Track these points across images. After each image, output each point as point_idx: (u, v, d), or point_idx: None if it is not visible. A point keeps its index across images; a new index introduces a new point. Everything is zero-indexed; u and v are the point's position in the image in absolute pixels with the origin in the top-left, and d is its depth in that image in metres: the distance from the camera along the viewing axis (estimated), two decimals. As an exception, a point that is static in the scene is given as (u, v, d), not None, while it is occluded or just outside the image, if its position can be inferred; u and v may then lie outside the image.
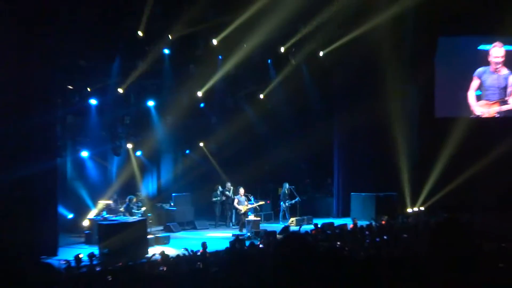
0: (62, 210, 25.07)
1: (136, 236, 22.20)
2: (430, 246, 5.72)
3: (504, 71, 32.66)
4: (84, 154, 27.61)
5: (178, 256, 18.89)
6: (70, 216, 26.71)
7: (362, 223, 24.27)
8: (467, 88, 32.60)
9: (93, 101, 26.86)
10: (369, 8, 28.59)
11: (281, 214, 30.10)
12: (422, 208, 30.26)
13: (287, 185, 30.12)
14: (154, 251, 21.37)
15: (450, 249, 5.49)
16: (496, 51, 32.53)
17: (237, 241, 19.21)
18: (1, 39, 20.20)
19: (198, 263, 15.29)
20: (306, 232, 21.54)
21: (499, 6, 29.08)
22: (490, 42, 32.56)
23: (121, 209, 26.15)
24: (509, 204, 26.98)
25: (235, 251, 17.41)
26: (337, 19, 27.99)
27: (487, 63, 32.68)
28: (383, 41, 29.16)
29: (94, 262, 18.59)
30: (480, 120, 32.34)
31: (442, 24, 30.85)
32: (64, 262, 17.24)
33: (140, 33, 25.36)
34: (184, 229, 28.46)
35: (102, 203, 26.41)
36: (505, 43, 32.43)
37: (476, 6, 29.19)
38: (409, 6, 29.34)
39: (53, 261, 19.31)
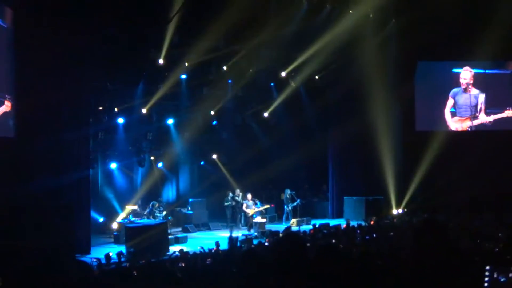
0: (94, 214, 25.01)
1: (158, 237, 22.25)
2: (413, 243, 5.70)
3: (474, 91, 32.58)
4: (113, 165, 27.61)
5: (195, 253, 18.88)
6: (101, 219, 26.65)
7: (354, 223, 24.20)
8: (443, 106, 32.58)
9: (120, 120, 26.87)
10: (357, 36, 28.64)
11: (284, 216, 30.06)
12: (405, 210, 30.20)
13: (288, 191, 30.07)
14: (174, 249, 21.33)
15: (430, 245, 5.47)
16: (465, 74, 32.55)
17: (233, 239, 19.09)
18: (44, 67, 20.28)
19: (209, 259, 15.23)
20: (304, 231, 21.45)
21: (469, 36, 29.07)
22: (462, 66, 32.58)
23: (145, 213, 26.14)
24: (480, 205, 26.90)
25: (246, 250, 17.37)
26: (330, 47, 28.01)
27: (460, 84, 32.66)
28: (370, 65, 29.16)
29: (122, 260, 18.58)
30: (454, 133, 32.30)
31: (421, 50, 30.82)
32: (95, 260, 17.21)
33: (160, 61, 25.40)
34: (199, 230, 28.42)
35: (128, 208, 26.39)
36: (474, 67, 32.45)
37: (450, 36, 29.27)
38: (391, 35, 29.47)
39: (86, 258, 19.32)
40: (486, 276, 5.15)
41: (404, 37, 29.04)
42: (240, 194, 29.65)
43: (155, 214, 26.17)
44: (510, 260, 9.70)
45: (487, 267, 5.17)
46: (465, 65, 32.48)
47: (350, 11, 28.10)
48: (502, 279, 5.09)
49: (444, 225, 5.76)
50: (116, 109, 26.62)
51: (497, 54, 29.91)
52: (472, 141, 31.01)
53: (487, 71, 32.79)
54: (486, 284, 5.12)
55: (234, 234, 22.11)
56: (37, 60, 20.08)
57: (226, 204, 29.77)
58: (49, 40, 20.30)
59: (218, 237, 23.40)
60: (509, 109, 32.32)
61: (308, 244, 15.16)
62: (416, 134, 32.28)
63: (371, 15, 28.88)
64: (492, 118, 32.48)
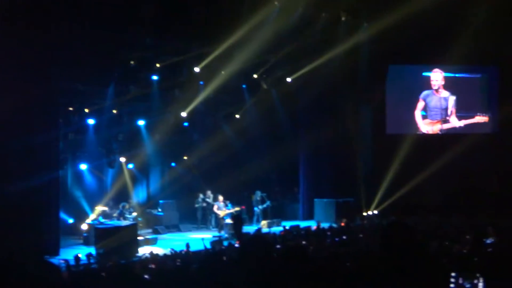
0: (63, 215, 24.92)
1: (128, 238, 22.18)
2: (380, 245, 5.73)
3: (445, 93, 32.84)
4: (83, 166, 27.53)
5: (165, 255, 18.86)
6: (71, 220, 26.52)
7: (324, 225, 24.31)
8: (413, 108, 32.80)
9: (90, 121, 26.79)
10: (329, 40, 28.79)
11: (255, 218, 30.07)
12: (375, 212, 30.35)
13: (259, 193, 30.12)
14: (143, 251, 21.32)
15: (397, 247, 5.51)
16: (436, 75, 32.81)
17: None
18: (12, 68, 20.19)
19: (178, 260, 15.23)
20: (274, 233, 21.50)
21: (440, 40, 29.36)
22: (432, 69, 32.82)
23: (115, 214, 26.06)
24: (449, 208, 27.14)
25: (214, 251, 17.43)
26: (302, 50, 28.13)
27: (430, 87, 32.90)
28: (341, 68, 29.39)
29: (91, 261, 18.52)
30: (425, 136, 32.54)
31: (392, 54, 31.01)
32: (63, 261, 17.14)
33: (132, 62, 25.36)
34: (170, 232, 28.34)
35: (98, 209, 26.30)
36: (444, 70, 32.69)
37: (421, 40, 29.42)
38: (363, 39, 29.62)
39: (55, 260, 19.22)
40: (452, 283, 5.21)
41: (376, 41, 29.24)
42: (211, 195, 29.68)
43: (125, 215, 26.11)
44: (477, 262, 9.80)
45: (453, 274, 5.23)
46: (434, 68, 32.69)
47: (323, 14, 28.22)
48: (468, 285, 5.15)
49: (411, 227, 5.80)
50: (86, 110, 26.54)
51: (467, 58, 30.16)
52: (442, 144, 31.24)
53: (457, 75, 33.07)
54: (452, 290, 5.18)
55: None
56: (5, 61, 20.00)
57: (196, 205, 29.79)
58: (18, 40, 20.22)
59: (188, 239, 23.40)
60: (479, 115, 32.61)
61: (278, 246, 15.25)
62: (386, 137, 32.47)
63: (343, 18, 29.00)
64: (462, 123, 32.74)
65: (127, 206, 26.62)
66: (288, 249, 6.47)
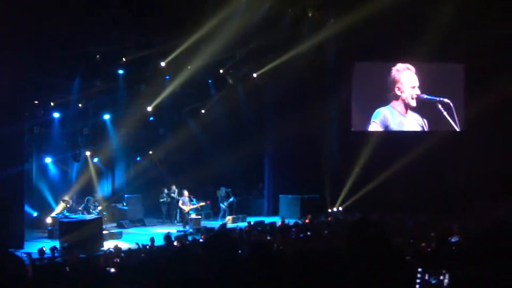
0: (28, 208, 24.80)
1: (93, 232, 22.17)
2: (347, 242, 5.80)
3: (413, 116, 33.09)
4: (48, 160, 27.43)
5: (129, 249, 18.88)
6: (35, 214, 26.42)
7: (289, 220, 24.44)
8: (379, 106, 32.88)
9: (56, 114, 26.76)
10: (296, 36, 28.89)
11: (221, 213, 30.11)
12: (340, 208, 30.52)
13: (224, 189, 30.24)
14: (108, 245, 21.31)
15: (363, 245, 5.58)
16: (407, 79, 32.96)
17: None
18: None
19: (142, 255, 15.26)
20: (239, 228, 21.57)
21: (405, 37, 29.54)
22: (396, 66, 32.92)
23: (80, 208, 26.01)
24: (414, 205, 27.31)
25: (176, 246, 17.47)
26: (268, 46, 28.21)
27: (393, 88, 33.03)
28: (308, 65, 29.44)
29: (56, 255, 18.48)
30: (391, 133, 32.67)
31: (358, 50, 31.24)
32: (26, 255, 17.08)
33: (98, 56, 25.30)
34: (135, 226, 28.28)
35: (63, 202, 26.23)
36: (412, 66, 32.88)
37: (386, 37, 29.62)
38: (329, 35, 29.74)
39: (18, 253, 19.14)
40: (418, 278, 5.27)
41: (342, 37, 29.39)
42: (176, 190, 29.73)
43: (90, 209, 26.06)
44: (442, 259, 9.95)
45: (419, 270, 5.30)
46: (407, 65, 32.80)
47: (289, 10, 28.32)
48: (433, 281, 5.21)
49: (378, 224, 5.88)
50: (52, 103, 26.47)
51: (433, 55, 30.40)
52: (408, 141, 31.41)
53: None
54: (417, 286, 5.25)
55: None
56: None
57: (161, 200, 29.82)
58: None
59: (153, 233, 23.44)
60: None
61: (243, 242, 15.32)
62: (352, 134, 32.64)
63: (310, 14, 29.10)
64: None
65: (92, 200, 26.58)
66: (252, 245, 6.55)
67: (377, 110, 32.76)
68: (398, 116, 32.70)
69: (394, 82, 32.60)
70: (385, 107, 32.71)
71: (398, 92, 32.55)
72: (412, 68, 32.61)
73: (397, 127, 32.84)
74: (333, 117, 31.94)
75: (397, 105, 32.66)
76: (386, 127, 32.69)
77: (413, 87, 32.49)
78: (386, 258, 5.55)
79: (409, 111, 32.63)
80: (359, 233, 5.68)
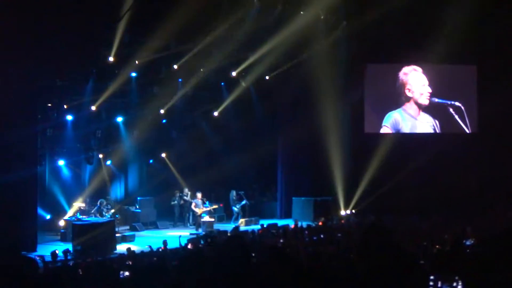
0: (41, 211, 24.88)
1: (105, 235, 22.22)
2: (360, 246, 5.75)
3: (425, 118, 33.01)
4: (61, 163, 27.49)
5: (142, 252, 18.89)
6: (48, 216, 26.49)
7: (302, 223, 24.39)
8: (391, 108, 32.81)
9: (69, 117, 26.83)
10: (308, 38, 28.84)
11: (233, 216, 30.09)
12: (353, 211, 30.44)
13: (234, 192, 30.22)
14: (121, 247, 21.34)
15: (376, 249, 5.54)
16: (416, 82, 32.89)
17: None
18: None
19: (155, 258, 15.24)
20: (252, 231, 21.53)
21: (417, 39, 29.50)
22: (408, 68, 32.87)
23: (92, 211, 26.06)
24: (428, 207, 27.22)
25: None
26: (281, 48, 28.17)
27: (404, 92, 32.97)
28: (320, 67, 29.32)
29: (68, 258, 18.51)
30: (404, 135, 32.59)
31: (370, 52, 31.18)
32: (40, 258, 17.11)
33: (111, 59, 25.33)
34: (147, 229, 28.37)
35: (76, 205, 26.27)
36: (422, 69, 32.79)
37: (398, 39, 29.59)
38: (342, 37, 29.69)
39: (32, 256, 19.18)
40: (430, 286, 5.22)
41: (355, 39, 29.36)
42: (189, 193, 29.73)
43: (103, 212, 26.11)
44: (456, 263, 9.88)
45: (431, 277, 5.24)
46: (413, 67, 32.74)
47: (301, 12, 28.26)
48: (446, 288, 5.17)
49: (389, 229, 5.83)
50: (65, 106, 26.58)
51: (445, 57, 30.29)
52: (421, 143, 31.37)
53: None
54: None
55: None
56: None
57: (173, 203, 29.83)
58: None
59: (166, 236, 23.44)
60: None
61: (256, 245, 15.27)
62: (365, 136, 32.59)
63: (322, 17, 29.04)
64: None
65: (104, 203, 26.63)
66: (265, 250, 6.51)
67: (388, 114, 32.72)
68: (409, 119, 32.63)
69: (403, 84, 32.58)
70: (396, 111, 32.66)
71: (409, 94, 32.52)
72: (419, 69, 32.56)
73: (409, 130, 32.78)
74: (345, 119, 31.83)
75: (409, 107, 32.59)
76: (397, 130, 32.63)
77: (424, 85, 32.44)
78: (399, 264, 5.51)
79: (421, 113, 32.55)
80: (370, 241, 5.63)
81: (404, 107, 32.62)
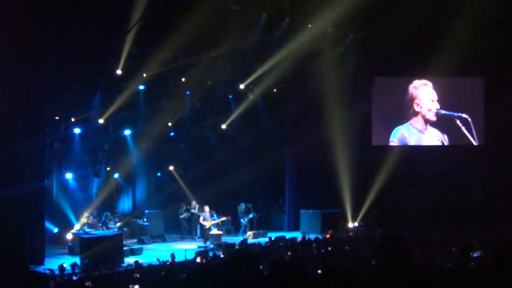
0: (48, 224, 24.85)
1: (113, 248, 22.16)
2: (374, 258, 5.70)
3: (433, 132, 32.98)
4: (69, 176, 27.42)
5: (150, 265, 18.84)
6: (56, 230, 26.44)
7: (310, 236, 24.33)
8: (398, 120, 32.78)
9: (77, 130, 26.80)
10: (315, 51, 28.85)
11: (241, 229, 30.04)
12: (361, 224, 30.38)
13: (243, 205, 30.19)
14: (129, 261, 21.27)
15: (389, 261, 5.48)
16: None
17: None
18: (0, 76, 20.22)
19: (162, 273, 15.14)
20: (259, 243, 21.49)
21: (424, 52, 29.52)
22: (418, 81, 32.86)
23: (100, 224, 26.04)
24: (435, 219, 27.17)
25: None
26: (288, 61, 28.16)
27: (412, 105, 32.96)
28: (328, 79, 29.37)
29: (76, 271, 18.47)
30: (411, 148, 32.56)
31: (377, 66, 31.17)
32: (49, 271, 17.07)
33: (118, 71, 25.35)
34: (155, 242, 28.27)
35: (83, 218, 26.24)
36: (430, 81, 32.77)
37: (405, 52, 29.53)
38: (349, 50, 29.67)
39: (40, 269, 19.15)
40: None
41: (362, 52, 29.37)
42: (196, 206, 29.65)
43: (108, 225, 26.10)
44: (463, 276, 9.80)
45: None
46: (424, 82, 32.71)
47: (309, 25, 28.27)
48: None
49: (405, 241, 5.78)
50: (72, 119, 26.58)
51: (452, 70, 30.27)
52: (428, 156, 31.34)
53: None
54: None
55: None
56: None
57: (181, 216, 29.75)
58: (5, 49, 20.19)
59: (173, 249, 23.36)
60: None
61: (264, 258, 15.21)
62: (372, 148, 32.56)
63: (329, 30, 29.03)
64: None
65: (110, 216, 26.62)
66: (273, 264, 6.44)
67: (395, 129, 32.71)
68: (416, 134, 32.61)
69: (412, 99, 32.59)
70: (403, 125, 32.67)
71: (417, 108, 32.50)
72: (429, 84, 32.58)
73: (415, 144, 32.72)
74: (353, 131, 31.78)
75: (416, 121, 32.56)
76: (404, 145, 32.58)
77: (432, 101, 32.39)
78: (409, 275, 5.46)
79: (428, 127, 32.51)
80: (385, 250, 5.58)
81: (411, 121, 32.61)
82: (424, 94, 32.57)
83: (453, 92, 32.56)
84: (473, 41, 27.91)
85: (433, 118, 32.46)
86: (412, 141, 32.65)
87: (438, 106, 32.36)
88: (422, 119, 32.53)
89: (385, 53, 29.31)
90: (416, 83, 32.57)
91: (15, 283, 5.49)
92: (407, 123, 32.58)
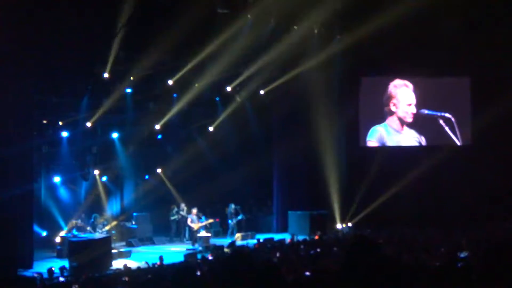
0: (37, 228, 24.84)
1: (102, 251, 22.15)
2: (345, 260, 5.73)
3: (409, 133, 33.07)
4: (57, 179, 27.41)
5: (138, 268, 18.86)
6: (44, 233, 26.41)
7: (298, 237, 24.38)
8: (383, 121, 32.86)
9: (64, 134, 26.82)
10: (302, 53, 28.94)
11: (229, 231, 30.04)
12: (349, 224, 30.45)
13: (232, 206, 30.17)
14: (117, 264, 21.30)
15: (360, 261, 5.51)
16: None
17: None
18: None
19: (149, 276, 15.16)
20: (245, 247, 21.56)
21: (410, 52, 29.68)
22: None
23: (88, 227, 26.03)
24: (423, 220, 27.26)
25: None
26: (275, 63, 28.25)
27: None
28: (315, 81, 29.44)
29: (65, 274, 18.49)
30: (398, 148, 32.64)
31: (364, 66, 31.24)
32: (37, 275, 17.10)
33: (106, 75, 25.38)
34: (143, 244, 28.29)
35: (72, 222, 26.23)
36: (415, 82, 32.81)
37: (392, 52, 29.56)
38: (336, 52, 29.76)
39: (28, 273, 19.20)
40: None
41: (349, 53, 29.43)
42: (185, 208, 29.66)
43: (96, 227, 26.12)
44: (450, 276, 9.87)
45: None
46: (405, 82, 32.79)
47: (295, 27, 28.37)
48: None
49: (376, 243, 5.82)
50: (60, 123, 26.57)
51: (439, 70, 30.43)
52: (415, 156, 31.42)
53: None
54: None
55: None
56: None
57: (172, 218, 29.75)
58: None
59: (162, 252, 23.40)
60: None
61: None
62: (360, 149, 32.63)
63: (315, 31, 29.15)
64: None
65: (99, 219, 26.62)
66: (260, 265, 6.47)
67: (372, 128, 32.76)
68: (394, 134, 32.62)
69: (389, 97, 32.56)
70: (381, 125, 32.67)
71: (393, 108, 32.48)
72: (410, 85, 32.55)
73: (394, 145, 32.83)
74: (340, 132, 31.84)
75: (393, 121, 32.58)
76: (382, 144, 32.67)
77: (409, 105, 32.42)
78: (390, 276, 5.49)
79: (405, 127, 32.55)
80: (356, 251, 5.62)
81: (387, 121, 32.63)
82: (403, 95, 32.55)
83: (439, 92, 32.54)
84: (460, 40, 28.10)
85: (408, 120, 32.50)
86: (389, 141, 32.66)
87: (414, 111, 32.41)
88: (398, 120, 32.57)
89: (372, 54, 29.37)
90: (397, 82, 32.53)
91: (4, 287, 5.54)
92: (384, 123, 32.64)
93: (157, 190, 31.30)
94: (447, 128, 32.24)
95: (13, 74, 21.09)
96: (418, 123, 32.62)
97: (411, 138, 32.75)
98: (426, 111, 32.33)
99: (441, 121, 32.27)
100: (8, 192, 20.69)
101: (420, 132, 32.70)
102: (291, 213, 31.14)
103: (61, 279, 17.51)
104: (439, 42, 28.74)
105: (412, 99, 32.48)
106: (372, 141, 32.75)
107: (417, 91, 32.55)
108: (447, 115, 32.20)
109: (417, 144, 32.78)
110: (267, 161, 32.16)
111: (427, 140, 32.78)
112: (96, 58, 25.29)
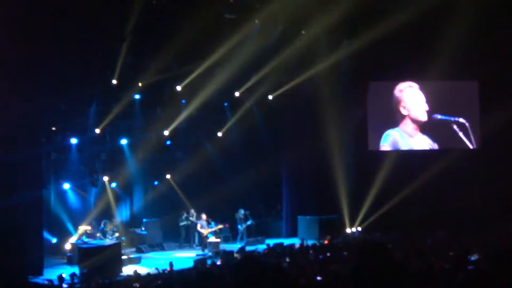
0: (47, 235, 24.84)
1: (111, 257, 22.14)
2: (356, 264, 5.71)
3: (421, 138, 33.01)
4: (66, 186, 27.41)
5: (149, 274, 18.85)
6: (54, 240, 26.42)
7: (308, 242, 24.33)
8: (394, 125, 32.81)
9: (73, 140, 26.79)
10: (310, 58, 28.94)
11: (239, 236, 30.01)
12: (359, 229, 30.39)
13: (242, 211, 30.10)
14: (127, 270, 21.29)
15: (371, 266, 5.49)
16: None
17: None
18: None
19: (159, 281, 15.15)
20: (260, 252, 21.51)
21: (418, 56, 29.65)
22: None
23: (98, 234, 26.03)
24: (432, 223, 27.18)
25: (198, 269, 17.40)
26: (283, 68, 28.27)
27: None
28: (323, 86, 29.42)
29: (75, 281, 18.49)
30: (407, 152, 32.59)
31: (372, 71, 31.24)
32: (48, 282, 17.10)
33: (114, 81, 25.42)
34: (153, 250, 28.28)
35: (82, 228, 26.23)
36: (423, 86, 32.77)
37: (400, 57, 29.61)
38: (344, 57, 29.76)
39: (39, 280, 19.21)
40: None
41: (357, 57, 29.43)
42: (194, 214, 29.64)
43: (106, 233, 26.09)
44: (461, 280, 9.83)
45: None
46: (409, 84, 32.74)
47: (303, 32, 28.37)
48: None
49: (384, 245, 5.80)
50: (69, 130, 26.57)
51: (447, 74, 30.35)
52: (424, 160, 31.36)
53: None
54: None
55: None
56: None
57: (181, 224, 29.73)
58: (1, 59, 20.24)
59: (172, 258, 23.39)
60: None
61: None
62: (368, 153, 32.58)
63: (323, 36, 29.13)
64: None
65: (109, 225, 26.60)
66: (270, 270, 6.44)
67: (385, 133, 32.73)
68: (407, 138, 32.59)
69: (398, 102, 32.55)
70: (394, 129, 32.66)
71: (404, 112, 32.46)
72: (415, 85, 32.56)
73: (407, 149, 32.76)
74: (349, 136, 31.83)
75: (406, 125, 32.58)
76: (396, 149, 32.63)
77: (420, 103, 32.39)
78: (400, 280, 5.47)
79: (418, 133, 32.49)
80: (366, 255, 5.60)
81: (401, 125, 32.62)
82: (410, 96, 32.56)
83: (448, 96, 32.52)
84: (469, 44, 28.03)
85: (423, 119, 32.48)
86: (403, 146, 32.64)
87: (427, 108, 32.38)
88: (412, 123, 32.52)
89: (380, 58, 29.38)
90: (402, 85, 32.57)
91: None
92: (398, 127, 32.61)
93: (167, 196, 31.29)
94: (461, 134, 32.19)
95: (22, 81, 21.10)
96: (431, 129, 32.61)
97: (424, 143, 32.70)
98: (439, 116, 32.29)
99: (454, 126, 32.24)
100: (17, 199, 20.66)
101: (435, 138, 32.72)
102: (300, 218, 31.11)
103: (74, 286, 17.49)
104: (447, 46, 28.64)
105: (421, 97, 32.47)
106: (385, 146, 32.74)
107: (426, 94, 32.53)
108: (461, 120, 32.16)
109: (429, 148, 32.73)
110: (276, 165, 32.17)
111: (440, 146, 32.71)
112: (105, 64, 25.31)
